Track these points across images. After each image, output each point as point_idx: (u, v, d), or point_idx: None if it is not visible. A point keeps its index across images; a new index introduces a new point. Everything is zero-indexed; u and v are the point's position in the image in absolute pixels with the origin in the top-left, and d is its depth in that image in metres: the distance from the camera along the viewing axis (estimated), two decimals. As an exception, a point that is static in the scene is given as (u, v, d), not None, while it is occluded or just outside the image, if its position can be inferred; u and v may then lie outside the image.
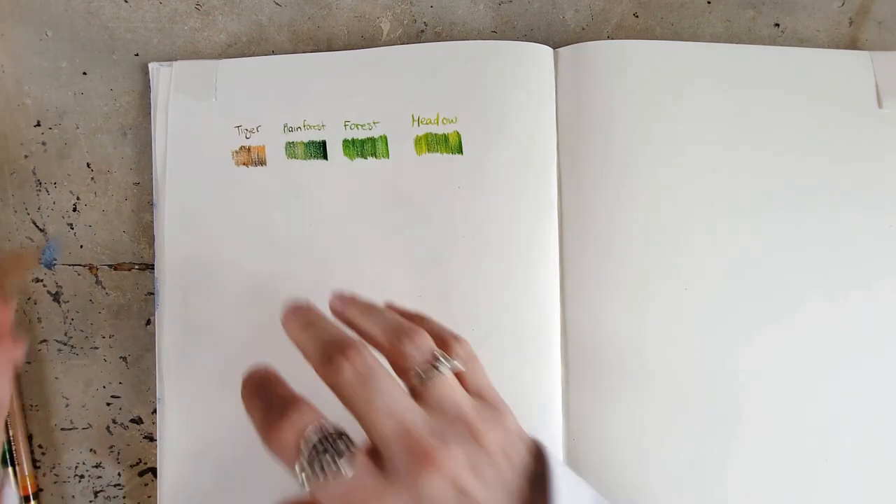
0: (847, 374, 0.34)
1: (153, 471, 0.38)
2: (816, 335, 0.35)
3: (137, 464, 0.38)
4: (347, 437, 0.21)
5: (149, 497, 0.38)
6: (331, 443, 0.21)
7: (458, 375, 0.24)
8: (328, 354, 0.22)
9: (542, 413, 0.35)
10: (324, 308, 0.26)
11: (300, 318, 0.24)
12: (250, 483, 0.36)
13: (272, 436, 0.21)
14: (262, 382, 0.23)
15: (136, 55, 0.39)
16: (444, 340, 0.25)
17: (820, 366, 0.35)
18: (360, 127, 0.36)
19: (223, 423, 0.36)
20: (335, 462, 0.20)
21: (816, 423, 0.34)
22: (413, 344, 0.23)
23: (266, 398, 0.23)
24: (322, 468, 0.20)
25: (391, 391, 0.21)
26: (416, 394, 0.22)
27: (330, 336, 0.23)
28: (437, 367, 0.23)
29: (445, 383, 0.23)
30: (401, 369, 0.23)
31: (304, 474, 0.21)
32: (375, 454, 0.21)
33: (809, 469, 0.34)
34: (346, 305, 0.26)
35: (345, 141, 0.36)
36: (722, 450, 0.34)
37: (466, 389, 0.24)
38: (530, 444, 0.24)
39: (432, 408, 0.22)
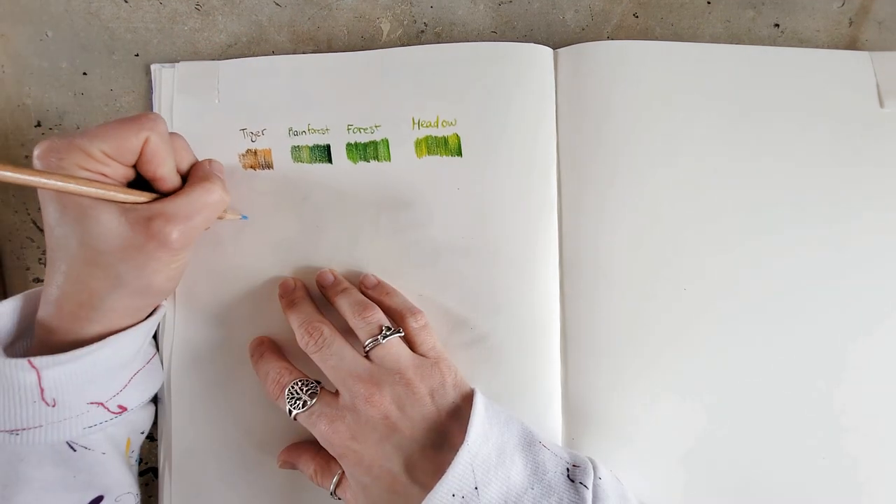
0: (847, 372, 0.35)
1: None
2: (816, 334, 0.35)
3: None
4: (318, 385, 0.32)
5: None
6: (303, 387, 0.32)
7: (409, 339, 0.33)
8: (301, 331, 0.33)
9: (541, 411, 0.35)
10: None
11: (287, 298, 0.35)
12: (250, 483, 0.36)
13: (267, 388, 0.33)
14: (261, 351, 0.35)
15: (137, 55, 0.39)
16: (401, 313, 0.33)
17: (820, 365, 0.35)
18: (362, 130, 0.37)
19: (223, 423, 0.36)
20: (303, 398, 0.31)
21: (817, 421, 0.34)
22: (364, 320, 0.32)
23: (265, 364, 0.34)
24: (295, 401, 0.31)
25: (342, 353, 0.31)
26: (368, 353, 0.32)
27: (304, 316, 0.33)
28: (378, 337, 0.31)
29: (387, 346, 0.31)
30: (357, 338, 0.32)
31: (286, 407, 0.31)
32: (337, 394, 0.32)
33: (809, 463, 0.34)
34: (328, 286, 0.35)
35: (348, 144, 0.37)
36: (721, 447, 0.34)
37: (416, 350, 0.33)
38: (465, 391, 0.32)
39: (375, 363, 0.31)
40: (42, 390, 0.28)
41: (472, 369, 0.35)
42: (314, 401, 0.31)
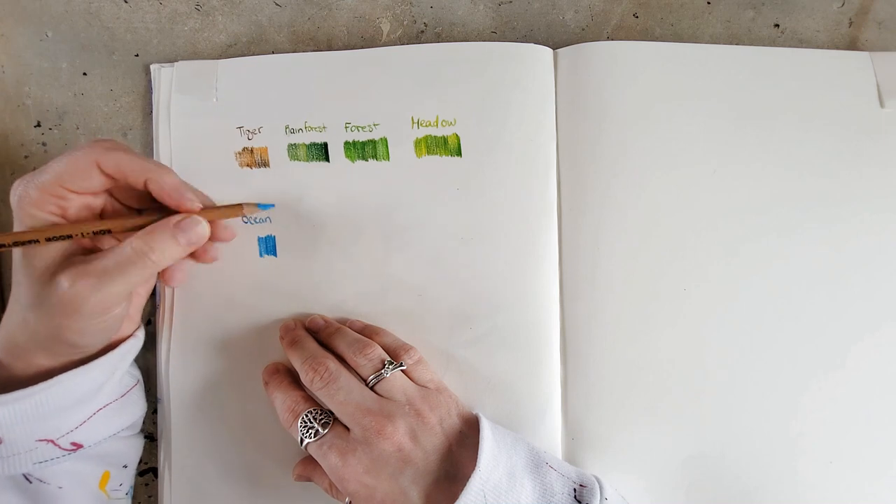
0: (846, 372, 0.34)
1: (153, 471, 0.38)
2: (815, 334, 0.35)
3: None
4: (332, 416, 0.31)
5: (149, 497, 0.38)
6: (316, 417, 0.31)
7: (407, 372, 0.33)
8: (305, 368, 0.32)
9: (541, 413, 0.35)
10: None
11: (288, 337, 0.34)
12: (251, 482, 0.36)
13: (281, 415, 0.32)
14: (277, 379, 0.34)
15: (136, 56, 0.39)
16: (395, 350, 0.33)
17: (817, 364, 0.35)
18: (360, 129, 0.37)
19: (223, 423, 0.36)
20: (315, 427, 0.31)
21: (814, 421, 0.34)
22: (366, 357, 0.32)
23: (281, 392, 0.33)
24: (307, 430, 0.31)
25: (349, 387, 0.31)
26: (373, 388, 0.31)
27: (307, 353, 0.33)
28: (382, 371, 0.31)
29: (392, 379, 0.31)
30: (359, 374, 0.32)
31: (298, 435, 0.31)
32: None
33: (809, 466, 0.34)
34: (319, 329, 0.35)
35: (346, 143, 0.37)
36: (720, 448, 0.34)
37: (415, 382, 0.32)
38: (468, 417, 0.32)
39: (384, 396, 0.31)
40: None
41: (472, 369, 0.35)
42: (326, 431, 0.31)
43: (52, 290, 0.28)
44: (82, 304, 0.27)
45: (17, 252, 0.29)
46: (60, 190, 0.28)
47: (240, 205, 0.33)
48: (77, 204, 0.29)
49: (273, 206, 0.36)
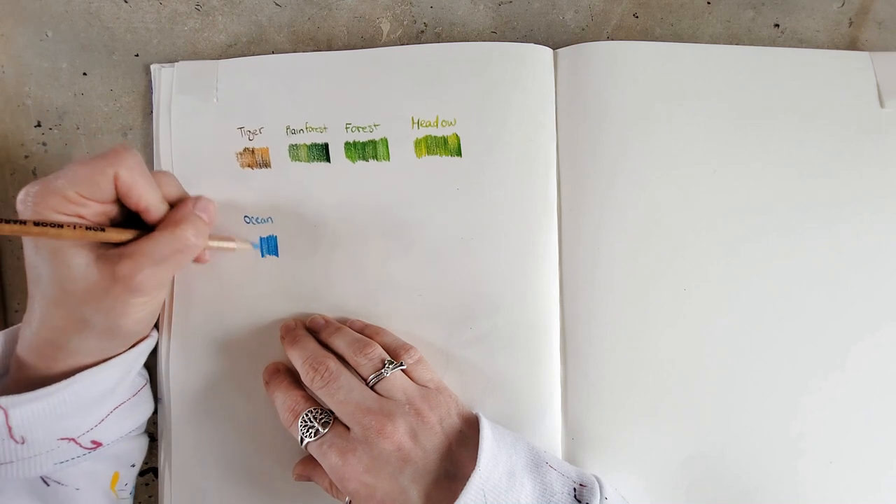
0: (846, 372, 0.34)
1: (154, 471, 0.38)
2: (815, 334, 0.35)
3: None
4: (332, 415, 0.32)
5: (149, 497, 0.38)
6: (316, 416, 0.32)
7: (407, 371, 0.33)
8: (306, 367, 0.32)
9: (541, 413, 0.35)
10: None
11: (290, 337, 0.35)
12: (251, 482, 0.36)
13: (281, 415, 0.33)
14: (278, 379, 0.34)
15: (137, 56, 0.39)
16: (395, 350, 0.34)
17: (817, 364, 0.35)
18: (361, 129, 0.37)
19: (223, 423, 0.36)
20: (316, 426, 0.31)
21: (814, 422, 0.34)
22: (366, 356, 0.32)
23: (282, 391, 0.33)
24: (307, 429, 0.31)
25: (349, 386, 0.31)
26: (373, 388, 0.32)
27: (308, 352, 0.33)
28: (382, 370, 0.32)
29: (392, 379, 0.32)
30: (359, 374, 0.32)
31: (298, 434, 0.31)
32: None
33: (809, 466, 0.34)
34: (320, 329, 0.35)
35: (346, 143, 0.37)
36: (720, 448, 0.34)
37: (415, 381, 0.33)
38: (468, 417, 0.32)
39: (384, 395, 0.31)
40: (10, 428, 0.28)
41: (472, 369, 0.35)
42: (326, 430, 0.31)
43: (112, 283, 0.28)
44: (145, 291, 0.29)
45: (45, 262, 0.28)
46: (77, 196, 0.28)
47: (231, 238, 0.35)
48: (95, 211, 0.29)
49: (259, 246, 0.36)
